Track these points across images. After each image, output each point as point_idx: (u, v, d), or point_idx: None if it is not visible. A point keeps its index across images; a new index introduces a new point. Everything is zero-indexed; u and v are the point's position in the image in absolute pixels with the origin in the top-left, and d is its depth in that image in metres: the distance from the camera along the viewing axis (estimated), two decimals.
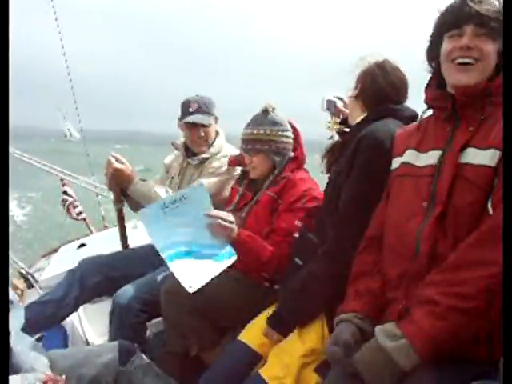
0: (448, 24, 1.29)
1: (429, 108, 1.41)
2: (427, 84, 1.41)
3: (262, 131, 2.03)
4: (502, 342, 1.01)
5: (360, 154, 1.53)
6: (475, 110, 1.25)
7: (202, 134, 2.42)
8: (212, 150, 2.48)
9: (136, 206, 2.49)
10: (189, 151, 2.53)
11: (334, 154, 1.80)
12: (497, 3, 1.23)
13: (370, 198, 1.48)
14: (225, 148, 2.52)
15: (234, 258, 1.77)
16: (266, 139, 2.03)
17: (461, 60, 1.25)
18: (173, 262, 1.73)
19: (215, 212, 1.78)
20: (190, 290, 1.69)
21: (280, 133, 2.06)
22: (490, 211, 1.15)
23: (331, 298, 1.49)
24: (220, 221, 1.75)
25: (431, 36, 1.37)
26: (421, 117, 1.45)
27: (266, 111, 2.08)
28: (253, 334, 1.69)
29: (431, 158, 1.30)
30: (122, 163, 2.28)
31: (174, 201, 1.75)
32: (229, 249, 1.79)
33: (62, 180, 4.32)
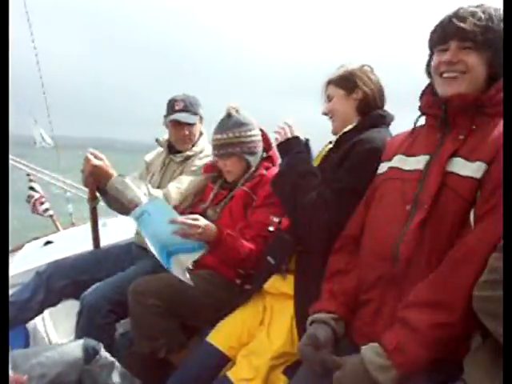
0: (436, 40, 1.33)
1: (422, 115, 1.44)
2: (422, 92, 1.45)
3: (230, 134, 2.06)
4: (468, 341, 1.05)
5: (354, 155, 1.58)
6: (466, 119, 1.27)
7: (187, 133, 2.42)
8: (195, 148, 2.48)
9: (113, 203, 2.45)
10: (172, 148, 2.52)
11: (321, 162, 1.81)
12: (482, 16, 1.26)
13: (356, 195, 1.51)
14: (207, 148, 2.51)
15: (204, 250, 1.81)
16: (236, 142, 2.06)
17: (446, 74, 1.30)
18: (170, 267, 1.78)
19: (180, 219, 1.75)
20: (191, 283, 1.77)
21: (248, 133, 2.09)
22: (472, 224, 1.16)
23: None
24: (186, 227, 1.73)
25: (429, 47, 1.41)
26: (414, 125, 1.48)
27: (229, 114, 2.11)
28: (221, 336, 1.68)
29: (419, 162, 1.32)
30: (101, 159, 2.24)
31: (142, 213, 1.78)
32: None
33: (28, 175, 4.21)
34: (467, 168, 1.20)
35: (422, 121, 1.46)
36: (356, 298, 1.37)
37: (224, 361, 1.63)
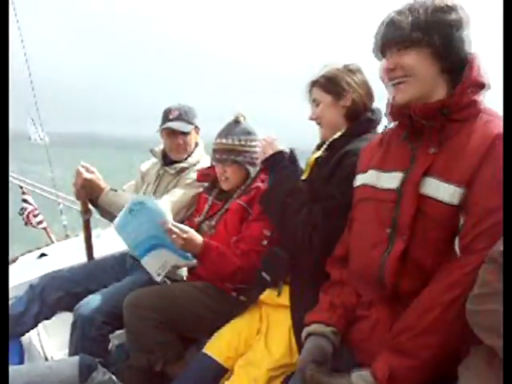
0: (378, 57, 1.30)
1: (391, 122, 1.39)
2: (389, 99, 1.37)
3: (236, 141, 2.02)
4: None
5: (343, 170, 1.56)
6: (434, 129, 1.20)
7: (181, 142, 2.40)
8: (190, 160, 2.45)
9: (106, 214, 2.45)
10: (167, 159, 2.50)
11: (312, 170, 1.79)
12: (408, 12, 1.19)
13: (346, 212, 1.49)
14: (203, 159, 2.49)
15: (193, 261, 1.84)
16: (241, 149, 2.02)
17: (390, 82, 1.26)
18: (144, 257, 1.88)
19: (172, 226, 1.76)
20: (157, 279, 1.87)
21: (253, 143, 2.05)
22: (458, 252, 1.14)
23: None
24: (175, 236, 1.75)
25: None
26: (385, 128, 1.43)
27: (237, 121, 2.07)
28: (218, 346, 1.67)
29: (392, 180, 1.27)
30: (92, 173, 2.24)
31: (138, 202, 1.82)
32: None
33: (21, 188, 4.19)
34: (442, 190, 1.15)
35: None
36: (354, 311, 1.37)
37: (221, 371, 1.62)
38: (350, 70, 1.73)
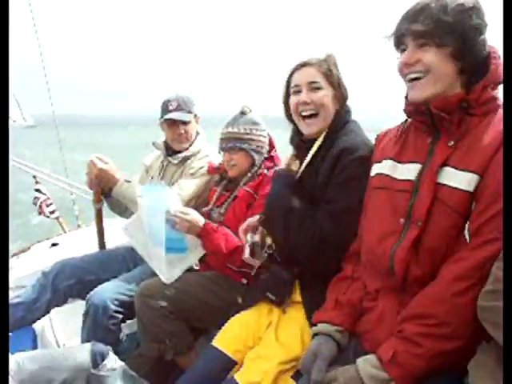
0: (394, 43, 1.28)
1: (409, 118, 1.39)
2: (406, 96, 1.36)
3: (242, 130, 2.09)
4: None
5: (342, 170, 1.54)
6: (453, 123, 1.21)
7: (182, 131, 2.43)
8: (192, 148, 2.48)
9: (115, 206, 2.46)
10: (169, 150, 2.53)
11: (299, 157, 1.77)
12: (434, 10, 1.18)
13: (352, 212, 1.49)
14: (205, 148, 2.52)
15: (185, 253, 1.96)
16: (246, 138, 2.08)
17: (408, 77, 1.25)
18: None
19: (172, 212, 1.86)
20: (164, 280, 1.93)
21: (259, 132, 2.12)
22: (467, 237, 1.14)
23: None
24: (177, 218, 1.84)
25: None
26: (405, 122, 1.42)
27: (243, 112, 2.14)
28: (227, 339, 1.65)
29: (410, 171, 1.28)
30: (106, 163, 2.25)
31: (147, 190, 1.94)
32: (184, 243, 1.96)
33: (34, 177, 4.22)
34: (458, 178, 1.16)
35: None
36: (360, 306, 1.37)
37: (230, 364, 1.61)
38: (335, 60, 1.71)
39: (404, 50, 1.25)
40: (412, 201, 1.23)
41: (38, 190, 4.24)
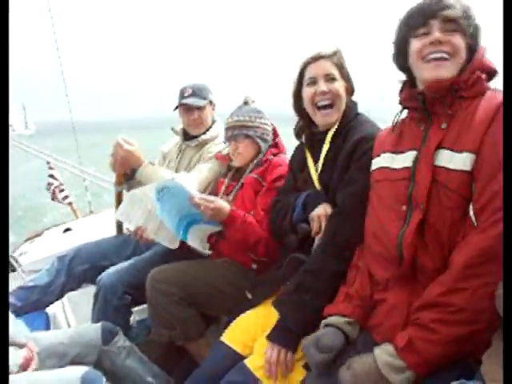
0: (414, 24, 1.29)
1: (404, 109, 1.42)
2: (402, 87, 1.42)
3: (247, 118, 2.12)
4: (488, 341, 1.03)
5: (360, 156, 1.56)
6: (445, 106, 1.25)
7: (196, 116, 2.48)
8: (210, 133, 2.53)
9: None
10: (187, 135, 2.58)
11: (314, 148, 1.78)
12: (460, 3, 1.25)
13: (367, 197, 1.48)
14: (222, 135, 2.53)
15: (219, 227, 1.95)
16: (252, 125, 2.11)
17: (433, 55, 1.25)
18: (187, 239, 1.97)
19: (198, 198, 1.83)
20: (206, 253, 2.02)
21: (263, 120, 2.15)
22: (473, 219, 1.14)
23: (332, 293, 1.46)
24: (202, 204, 1.81)
25: (396, 42, 1.38)
26: (397, 118, 1.45)
27: (246, 102, 2.20)
28: (235, 334, 1.64)
29: (406, 159, 1.31)
30: (132, 145, 2.28)
31: (161, 188, 1.88)
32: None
33: (48, 163, 4.26)
34: (455, 160, 1.18)
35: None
36: (371, 298, 1.36)
37: (239, 359, 1.60)
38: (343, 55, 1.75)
39: (424, 34, 1.27)
40: (411, 187, 1.25)
41: (51, 176, 4.29)
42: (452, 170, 1.17)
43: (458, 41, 1.25)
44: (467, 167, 1.15)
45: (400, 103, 1.41)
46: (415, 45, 1.29)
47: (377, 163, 1.44)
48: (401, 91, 1.41)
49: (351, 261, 1.48)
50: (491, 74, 1.27)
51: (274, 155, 2.12)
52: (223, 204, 1.86)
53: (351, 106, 1.75)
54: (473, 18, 1.26)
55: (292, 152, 1.98)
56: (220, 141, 2.50)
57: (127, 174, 2.37)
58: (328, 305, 1.43)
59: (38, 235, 3.46)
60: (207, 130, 2.53)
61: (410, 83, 1.39)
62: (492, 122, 1.15)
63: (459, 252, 1.14)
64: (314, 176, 1.72)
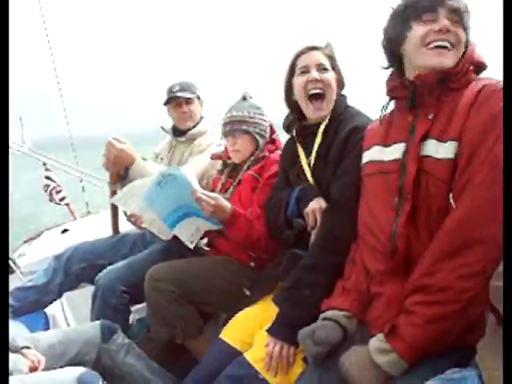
0: (421, 9, 1.27)
1: (391, 100, 1.41)
2: (389, 77, 1.41)
3: (246, 113, 2.09)
4: (481, 329, 1.04)
5: (352, 147, 1.56)
6: (433, 97, 1.26)
7: (186, 110, 2.52)
8: (199, 127, 2.56)
9: None
10: (177, 131, 2.60)
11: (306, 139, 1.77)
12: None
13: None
14: (211, 129, 2.60)
15: (219, 226, 1.90)
16: (251, 121, 2.08)
17: (438, 43, 1.25)
18: (174, 228, 1.93)
19: (200, 194, 1.77)
20: (191, 246, 1.95)
21: (262, 116, 2.13)
22: (453, 204, 1.15)
23: (331, 287, 1.45)
24: (205, 201, 1.76)
25: (393, 26, 1.34)
26: (383, 111, 1.45)
27: (245, 98, 2.17)
28: (233, 332, 1.64)
29: (396, 151, 1.30)
30: (125, 143, 2.29)
31: (168, 174, 1.83)
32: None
33: (45, 165, 4.25)
34: (441, 149, 1.19)
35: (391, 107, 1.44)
36: (368, 291, 1.37)
37: (238, 356, 1.61)
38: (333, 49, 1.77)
39: (428, 21, 1.25)
40: (402, 178, 1.25)
41: (48, 178, 4.28)
42: (439, 159, 1.18)
43: (462, 33, 1.25)
44: (452, 155, 1.16)
45: (387, 94, 1.40)
46: (419, 30, 1.26)
47: (367, 156, 1.44)
48: (387, 82, 1.41)
49: (348, 254, 1.47)
50: (480, 67, 1.28)
51: (271, 152, 2.11)
52: (225, 202, 1.83)
53: (341, 99, 1.75)
54: (469, 14, 1.27)
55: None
56: (209, 134, 2.53)
57: (121, 173, 2.37)
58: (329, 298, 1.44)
59: (37, 236, 3.46)
60: (196, 124, 2.56)
61: (397, 74, 1.38)
62: (472, 107, 1.16)
63: (435, 236, 1.16)
64: (307, 170, 1.71)
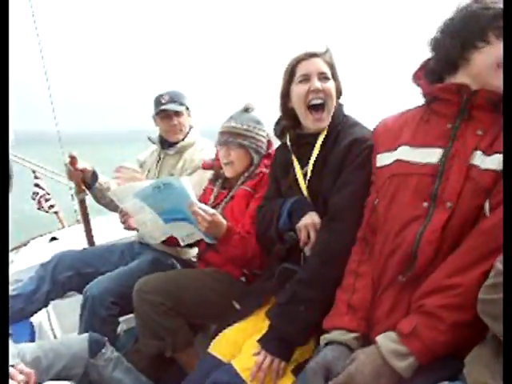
0: (491, 17, 1.21)
1: (432, 99, 1.34)
2: (423, 74, 1.36)
3: (245, 126, 2.01)
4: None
5: (353, 158, 1.53)
6: (489, 115, 1.22)
7: (175, 123, 2.48)
8: (188, 139, 2.53)
9: (101, 198, 2.50)
10: (165, 143, 2.56)
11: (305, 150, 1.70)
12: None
13: (363, 199, 1.46)
14: (199, 140, 2.58)
15: (211, 240, 1.82)
16: (249, 135, 2.01)
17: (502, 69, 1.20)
18: (170, 222, 1.85)
19: (197, 208, 1.70)
20: (182, 243, 1.90)
21: (261, 132, 2.05)
22: (487, 213, 1.14)
23: (327, 302, 1.41)
24: (200, 215, 1.69)
25: (469, 30, 1.25)
26: (411, 110, 1.42)
27: (247, 109, 2.08)
28: (222, 345, 1.60)
29: (431, 155, 1.27)
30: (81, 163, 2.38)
31: (167, 183, 1.73)
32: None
33: (34, 172, 4.23)
34: (487, 161, 1.17)
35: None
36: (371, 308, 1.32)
37: None
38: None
39: (487, 42, 1.22)
40: (437, 184, 1.22)
41: (37, 185, 4.25)
42: (484, 169, 1.17)
43: None
44: (496, 167, 1.15)
45: (426, 93, 1.34)
46: (486, 57, 1.22)
47: (395, 155, 1.37)
48: (433, 81, 1.33)
49: (346, 265, 1.42)
50: None
51: (267, 167, 2.01)
52: (221, 219, 1.75)
53: (339, 108, 1.70)
54: None
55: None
56: (200, 147, 2.50)
57: (86, 183, 2.43)
58: (324, 314, 1.38)
59: (24, 245, 3.42)
60: (185, 136, 2.53)
61: (442, 73, 1.32)
62: None
63: (465, 240, 1.15)
64: (302, 182, 1.65)
